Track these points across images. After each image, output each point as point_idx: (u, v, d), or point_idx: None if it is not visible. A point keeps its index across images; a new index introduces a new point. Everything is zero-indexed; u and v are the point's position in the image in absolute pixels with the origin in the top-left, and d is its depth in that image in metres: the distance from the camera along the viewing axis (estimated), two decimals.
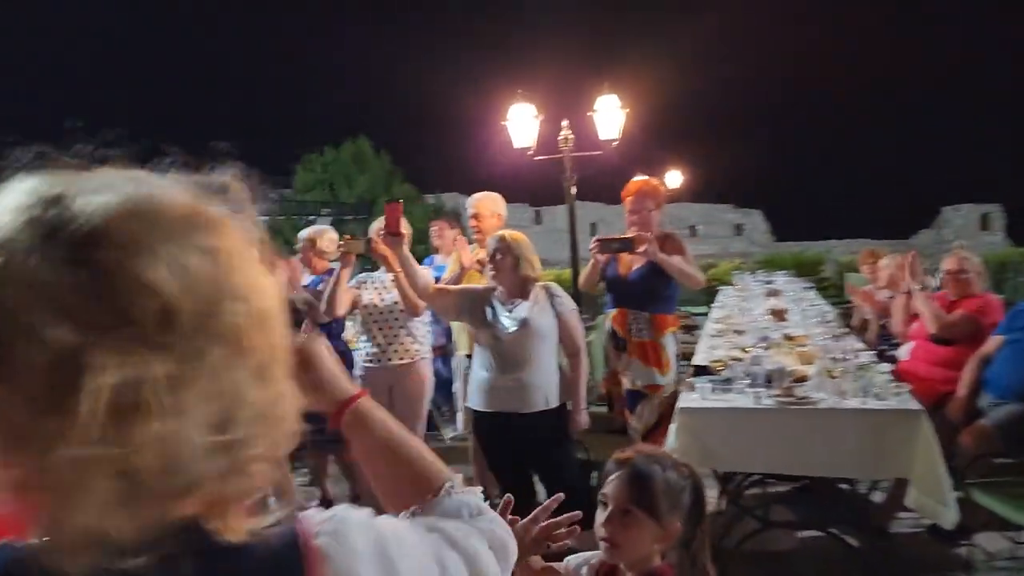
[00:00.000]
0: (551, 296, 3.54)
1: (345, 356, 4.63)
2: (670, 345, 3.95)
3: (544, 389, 3.46)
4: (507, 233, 3.65)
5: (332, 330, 4.81)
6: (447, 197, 31.00)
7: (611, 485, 1.76)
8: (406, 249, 3.54)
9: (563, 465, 3.54)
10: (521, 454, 3.53)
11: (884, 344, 5.73)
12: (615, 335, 4.11)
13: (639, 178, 4.04)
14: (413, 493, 0.92)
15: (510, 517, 1.63)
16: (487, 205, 4.78)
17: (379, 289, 4.37)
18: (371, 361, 4.36)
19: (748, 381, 3.73)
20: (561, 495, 1.58)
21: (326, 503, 5.08)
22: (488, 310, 3.52)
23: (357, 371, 4.41)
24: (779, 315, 5.84)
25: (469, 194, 4.67)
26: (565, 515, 1.57)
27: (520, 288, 3.56)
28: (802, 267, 12.79)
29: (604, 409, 4.44)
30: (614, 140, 4.66)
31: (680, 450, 3.51)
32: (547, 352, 3.48)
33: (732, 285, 8.85)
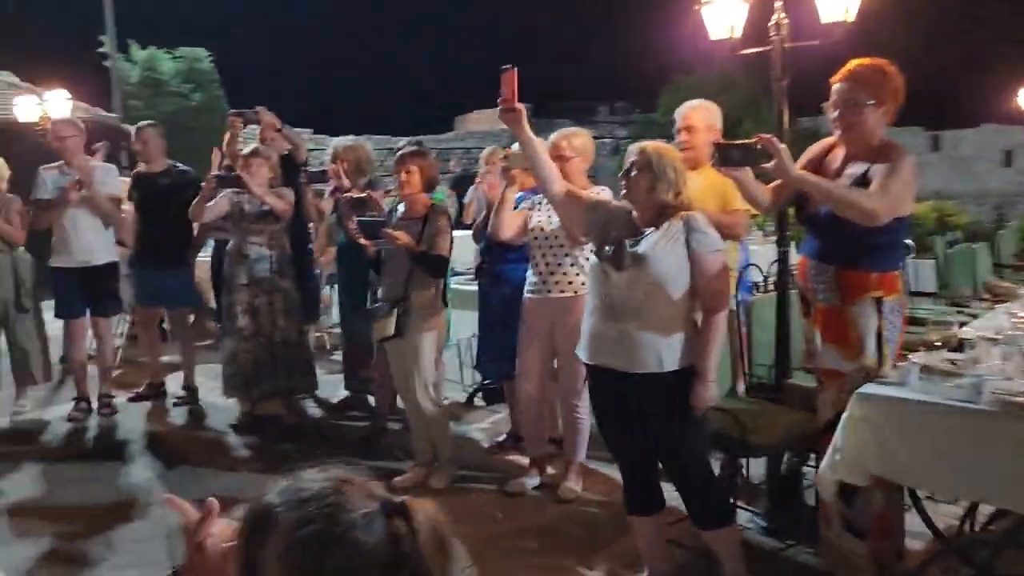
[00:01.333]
0: (689, 230, 2.73)
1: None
2: (866, 317, 2.82)
3: (657, 347, 2.70)
4: (650, 145, 2.89)
5: (504, 256, 4.40)
6: (824, 120, 28.07)
7: None
8: (528, 130, 2.93)
9: (680, 443, 2.78)
10: (629, 421, 2.84)
11: None
12: (801, 292, 3.12)
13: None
14: None
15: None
16: (702, 115, 3.94)
17: (551, 212, 3.84)
18: (533, 291, 3.90)
19: (995, 366, 2.60)
20: None
21: (516, 439, 4.81)
22: (612, 237, 2.82)
23: (524, 301, 3.98)
24: None
25: None
26: None
27: (655, 216, 2.81)
28: None
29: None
30: (844, 22, 3.46)
31: (849, 452, 2.57)
32: (667, 300, 2.71)
33: None
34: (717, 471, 3.57)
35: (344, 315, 5.49)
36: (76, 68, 15.47)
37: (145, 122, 5.76)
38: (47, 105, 8.97)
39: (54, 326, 5.50)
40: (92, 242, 5.28)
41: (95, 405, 5.44)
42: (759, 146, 2.71)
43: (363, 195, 4.58)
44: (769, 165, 2.73)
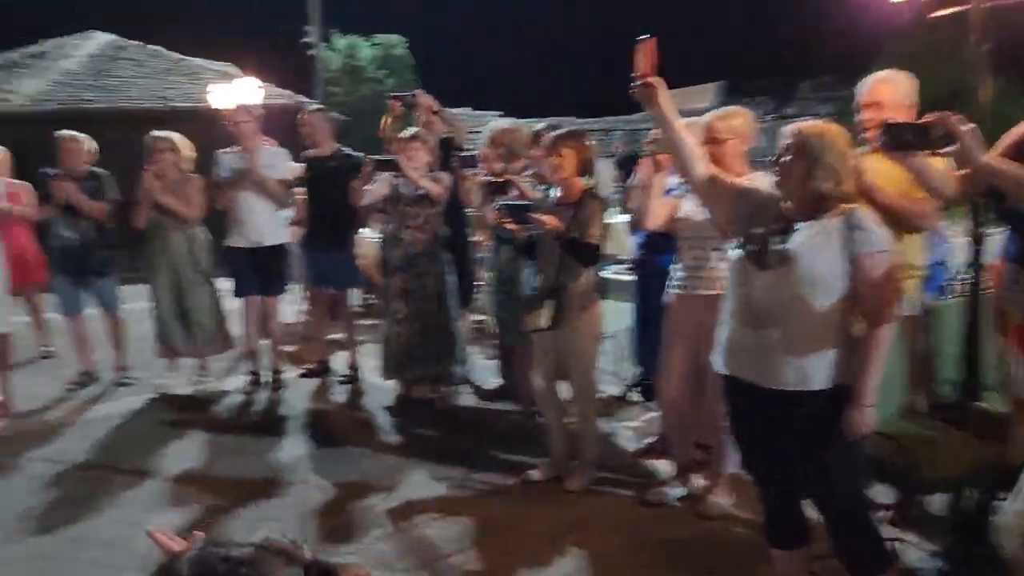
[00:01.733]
0: (849, 227, 2.33)
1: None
2: None
3: (803, 361, 2.33)
4: (808, 124, 2.50)
5: (664, 246, 4.08)
6: None
7: None
8: (666, 104, 2.61)
9: (827, 474, 2.39)
10: (768, 442, 2.49)
11: None
12: (996, 303, 2.60)
13: None
14: None
15: None
16: (892, 89, 3.41)
17: None
18: (678, 287, 3.57)
19: None
20: None
21: (667, 441, 4.50)
22: (757, 230, 2.47)
23: (666, 298, 3.67)
24: None
25: None
26: None
27: (811, 208, 2.43)
28: None
29: None
30: None
31: None
32: (817, 307, 2.32)
33: None
34: (886, 500, 3.13)
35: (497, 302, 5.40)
36: (285, 58, 16.61)
37: (312, 106, 5.95)
38: (238, 92, 9.57)
39: (234, 303, 5.84)
40: (264, 223, 5.52)
41: (267, 380, 5.72)
42: (937, 127, 2.26)
43: (503, 179, 4.43)
44: (950, 149, 2.27)
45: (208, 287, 5.60)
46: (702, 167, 2.70)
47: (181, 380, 5.63)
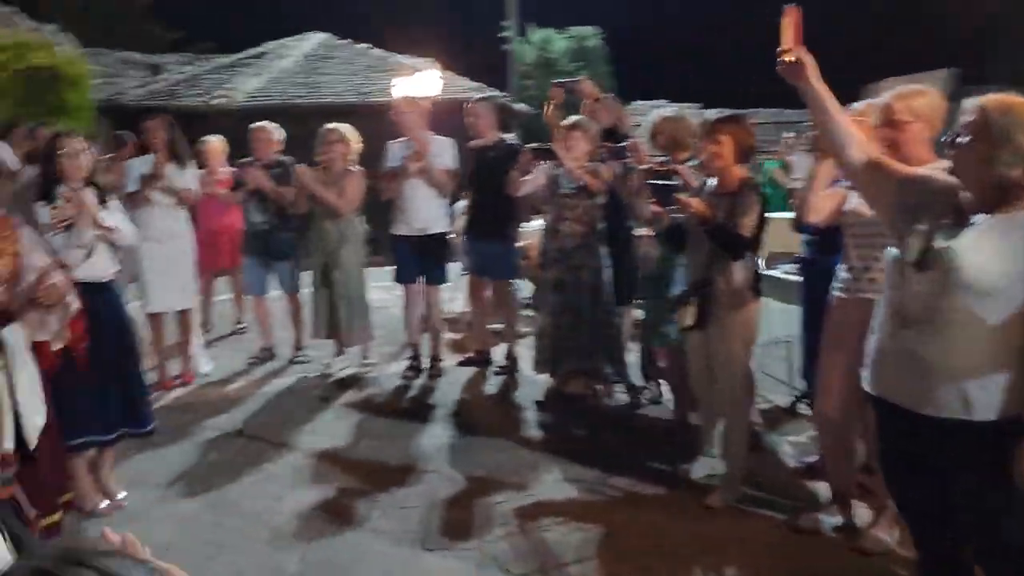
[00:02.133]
0: None
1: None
2: None
3: (964, 384, 1.92)
4: (990, 100, 2.08)
5: (833, 245, 3.64)
6: None
7: None
8: (817, 81, 2.25)
9: (992, 521, 1.97)
10: (920, 474, 2.09)
11: None
12: None
13: None
14: None
15: None
16: None
17: None
18: (842, 290, 3.16)
19: None
20: None
21: None
22: (922, 228, 2.09)
23: (830, 300, 3.26)
24: None
25: None
26: None
27: (992, 199, 2.02)
28: None
29: None
30: None
31: None
32: (986, 319, 1.91)
33: None
34: None
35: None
36: (483, 52, 17.03)
37: (478, 97, 5.93)
38: (418, 84, 9.74)
39: (396, 290, 5.96)
40: (429, 212, 5.57)
41: (426, 366, 5.79)
42: None
43: (664, 169, 4.17)
44: None
45: (356, 277, 5.64)
46: (859, 151, 2.33)
47: (348, 362, 5.82)
